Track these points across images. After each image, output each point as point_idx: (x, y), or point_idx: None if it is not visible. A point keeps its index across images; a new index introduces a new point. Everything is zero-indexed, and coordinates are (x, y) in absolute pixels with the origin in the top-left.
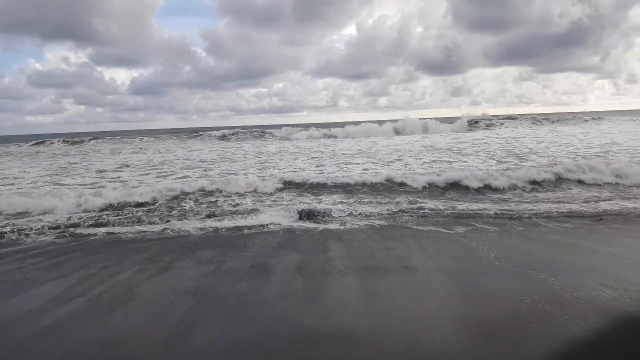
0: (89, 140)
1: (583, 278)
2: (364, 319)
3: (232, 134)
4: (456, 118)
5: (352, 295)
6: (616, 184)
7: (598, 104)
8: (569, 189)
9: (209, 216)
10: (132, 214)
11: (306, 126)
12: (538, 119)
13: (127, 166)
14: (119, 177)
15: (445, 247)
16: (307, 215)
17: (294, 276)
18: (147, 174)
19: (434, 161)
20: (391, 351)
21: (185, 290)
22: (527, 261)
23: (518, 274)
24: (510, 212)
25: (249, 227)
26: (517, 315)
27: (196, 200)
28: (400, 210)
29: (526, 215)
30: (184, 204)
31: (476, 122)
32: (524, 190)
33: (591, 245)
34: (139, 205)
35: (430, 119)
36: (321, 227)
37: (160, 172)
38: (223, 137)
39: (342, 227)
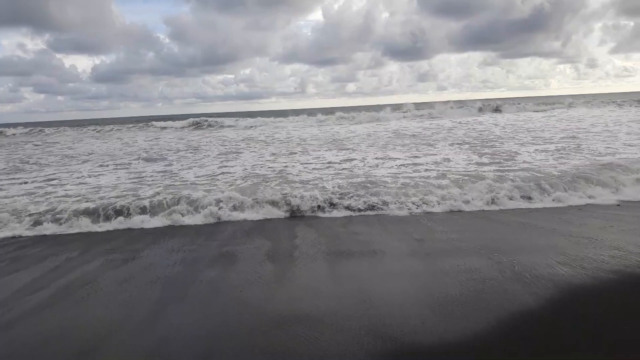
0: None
1: (543, 257)
2: (330, 301)
3: (201, 123)
4: (425, 103)
5: (319, 279)
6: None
7: (560, 88)
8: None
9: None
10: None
11: (279, 113)
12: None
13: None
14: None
15: (412, 230)
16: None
17: (261, 262)
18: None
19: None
20: (357, 331)
21: (152, 279)
22: (491, 243)
23: (482, 255)
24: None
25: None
26: (479, 293)
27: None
28: None
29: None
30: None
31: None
32: None
33: (552, 226)
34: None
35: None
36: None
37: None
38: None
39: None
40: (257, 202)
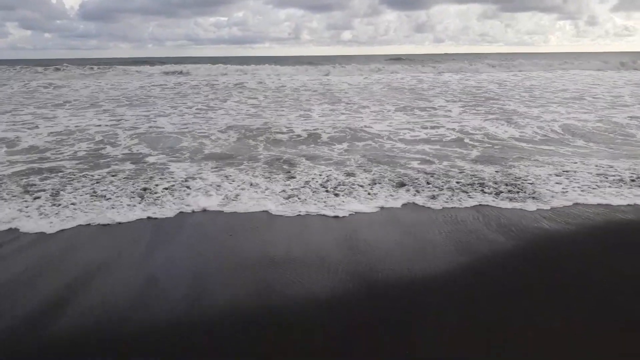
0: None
1: None
2: (319, 247)
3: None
4: (422, 55)
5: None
6: None
7: (558, 45)
8: None
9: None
10: None
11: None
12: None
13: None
14: None
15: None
16: None
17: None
18: None
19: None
20: (342, 274)
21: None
22: None
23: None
24: None
25: None
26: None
27: None
28: None
29: None
30: None
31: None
32: None
33: None
34: None
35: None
36: None
37: None
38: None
39: None
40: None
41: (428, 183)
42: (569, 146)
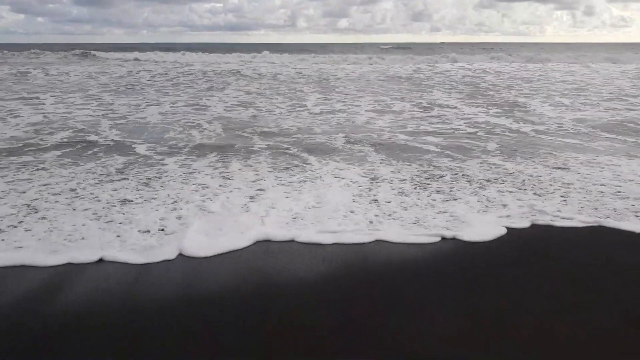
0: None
1: None
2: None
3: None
4: (418, 44)
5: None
6: None
7: (555, 35)
8: None
9: None
10: None
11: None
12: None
13: None
14: None
15: None
16: None
17: None
18: None
19: None
20: None
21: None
22: None
23: None
24: None
25: None
26: None
27: None
28: None
29: None
30: None
31: None
32: None
33: None
34: None
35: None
36: None
37: None
38: None
39: None
40: None
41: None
42: (599, 140)
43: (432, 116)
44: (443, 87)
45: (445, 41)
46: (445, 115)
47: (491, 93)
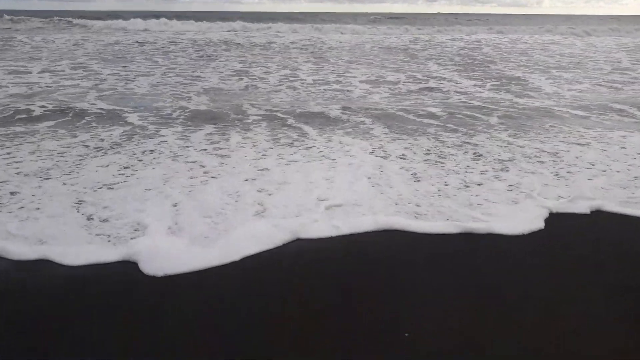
0: None
1: None
2: None
3: None
4: (414, 14)
5: None
6: None
7: (552, 7)
8: None
9: None
10: None
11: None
12: None
13: None
14: None
15: None
16: None
17: None
18: None
19: None
20: None
21: None
22: None
23: None
24: None
25: None
26: None
27: None
28: None
29: None
30: None
31: None
32: None
33: None
34: None
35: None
36: None
37: None
38: None
39: None
40: None
41: None
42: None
43: (428, 87)
44: (439, 59)
45: (442, 11)
46: (443, 87)
47: (489, 65)
